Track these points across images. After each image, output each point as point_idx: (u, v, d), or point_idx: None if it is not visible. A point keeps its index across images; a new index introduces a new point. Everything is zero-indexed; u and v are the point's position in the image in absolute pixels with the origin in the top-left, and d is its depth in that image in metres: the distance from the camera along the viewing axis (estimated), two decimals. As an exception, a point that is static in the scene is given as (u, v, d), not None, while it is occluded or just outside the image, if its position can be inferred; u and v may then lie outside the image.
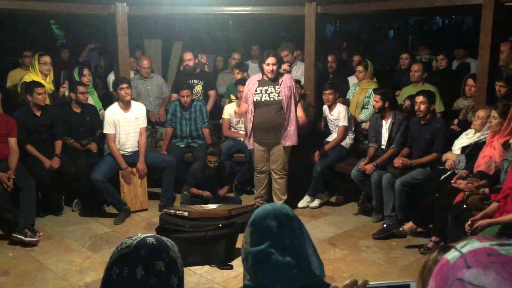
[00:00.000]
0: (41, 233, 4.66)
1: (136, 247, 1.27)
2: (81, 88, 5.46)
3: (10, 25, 9.46)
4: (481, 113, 4.46)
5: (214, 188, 5.34)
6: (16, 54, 7.25)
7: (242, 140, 5.77)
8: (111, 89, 6.65)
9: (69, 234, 4.84)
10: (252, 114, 4.98)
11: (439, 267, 0.71)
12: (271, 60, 4.87)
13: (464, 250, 0.70)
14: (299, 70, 6.45)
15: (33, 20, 10.28)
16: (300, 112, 5.07)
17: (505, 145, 3.95)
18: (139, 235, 1.33)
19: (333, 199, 5.77)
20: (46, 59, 5.63)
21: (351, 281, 0.90)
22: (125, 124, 5.32)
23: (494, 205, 3.62)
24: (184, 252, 4.00)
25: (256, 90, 4.95)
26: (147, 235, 1.33)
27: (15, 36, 9.69)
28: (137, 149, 5.45)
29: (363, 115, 5.93)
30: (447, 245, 0.74)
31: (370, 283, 0.89)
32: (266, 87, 4.94)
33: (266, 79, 4.96)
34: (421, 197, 4.66)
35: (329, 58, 6.80)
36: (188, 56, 6.41)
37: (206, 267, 4.07)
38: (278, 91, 4.91)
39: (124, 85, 5.20)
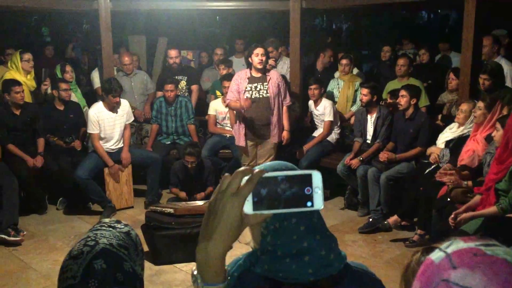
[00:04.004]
0: (24, 232, 4.62)
1: (83, 279, 1.11)
2: (63, 85, 5.40)
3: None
4: (464, 107, 4.49)
5: (195, 187, 5.27)
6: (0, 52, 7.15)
7: (228, 136, 5.76)
8: (95, 86, 6.60)
9: (53, 233, 4.80)
10: (243, 111, 4.98)
11: (424, 268, 0.70)
12: (259, 50, 4.88)
13: (449, 250, 0.69)
14: (284, 66, 6.44)
15: (17, 18, 10.14)
16: (285, 120, 5.09)
17: (488, 139, 3.98)
18: (85, 253, 1.15)
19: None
20: (29, 56, 5.56)
21: (244, 169, 0.84)
22: (110, 123, 5.27)
23: (477, 198, 3.66)
24: (170, 249, 4.06)
25: (246, 87, 4.95)
26: (94, 254, 1.15)
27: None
28: (122, 145, 5.41)
29: (355, 108, 5.92)
30: (431, 245, 0.72)
31: (267, 174, 0.84)
32: (256, 84, 4.96)
33: (255, 75, 4.96)
34: (406, 190, 4.69)
35: (327, 53, 6.77)
36: (173, 53, 6.35)
37: (192, 264, 4.03)
38: (266, 88, 4.94)
39: (116, 94, 5.13)
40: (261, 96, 4.96)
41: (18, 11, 8.06)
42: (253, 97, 4.96)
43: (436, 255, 0.69)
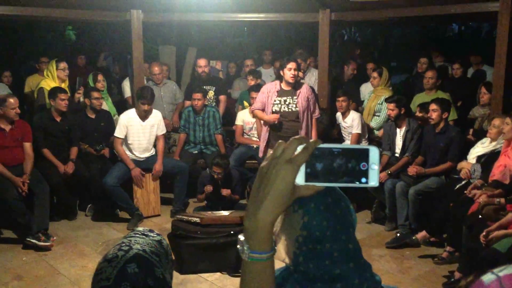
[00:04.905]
0: (54, 238, 4.71)
1: (116, 281, 1.15)
2: (95, 94, 5.52)
3: (28, 31, 9.62)
4: (496, 121, 4.39)
5: (222, 196, 5.25)
6: (34, 60, 7.37)
7: (255, 146, 5.77)
8: (126, 96, 6.72)
9: (82, 239, 4.88)
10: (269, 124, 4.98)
11: None
12: (292, 65, 4.88)
13: (501, 274, 0.68)
14: (312, 77, 6.44)
15: (50, 27, 10.44)
16: (314, 132, 5.09)
17: (521, 155, 3.89)
18: (119, 256, 1.19)
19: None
20: (64, 65, 5.71)
21: (300, 136, 0.82)
22: (140, 131, 5.36)
23: (510, 215, 3.56)
24: (196, 258, 4.07)
25: (275, 100, 4.95)
26: (128, 258, 1.18)
27: (33, 42, 9.86)
28: (151, 154, 5.48)
29: (373, 123, 5.88)
30: (485, 269, 0.72)
31: (323, 145, 0.81)
32: (285, 98, 4.94)
33: (285, 88, 4.96)
34: (435, 206, 4.60)
35: (351, 66, 6.77)
36: (202, 62, 6.43)
37: (217, 274, 4.06)
38: (295, 102, 4.92)
39: (145, 101, 5.22)
40: (290, 109, 4.95)
41: (52, 21, 8.31)
42: (281, 110, 4.95)
43: (487, 277, 0.69)
